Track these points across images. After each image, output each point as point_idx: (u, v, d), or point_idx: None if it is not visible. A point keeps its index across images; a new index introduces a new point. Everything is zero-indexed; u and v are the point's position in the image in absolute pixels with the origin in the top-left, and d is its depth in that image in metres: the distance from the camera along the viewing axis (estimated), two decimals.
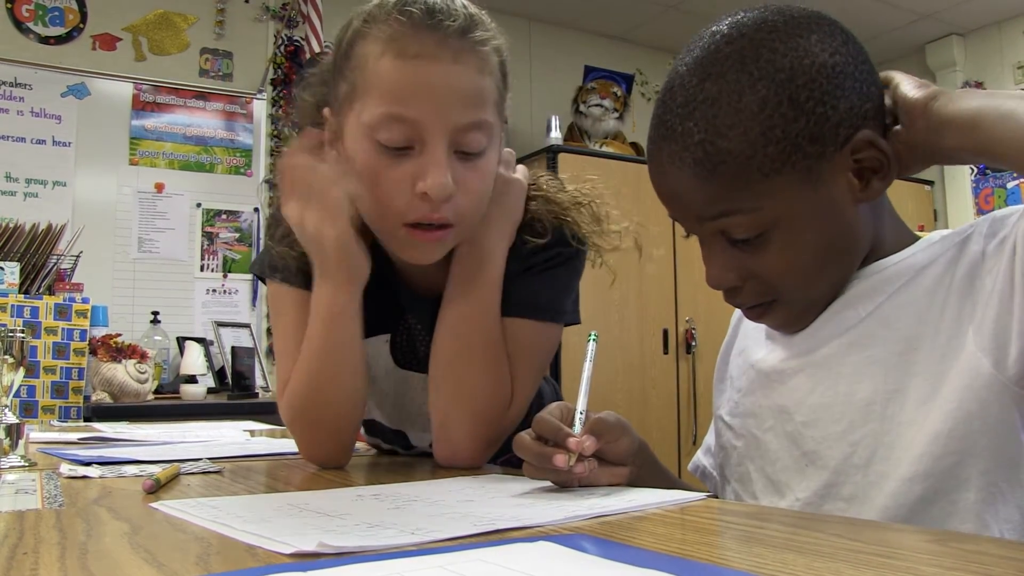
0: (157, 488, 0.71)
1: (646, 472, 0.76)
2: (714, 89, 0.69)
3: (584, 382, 0.73)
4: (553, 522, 0.54)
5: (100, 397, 2.56)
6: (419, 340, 0.98)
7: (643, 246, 0.97)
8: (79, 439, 1.30)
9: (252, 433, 1.47)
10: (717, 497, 0.79)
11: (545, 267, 0.93)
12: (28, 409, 2.38)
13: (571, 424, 0.69)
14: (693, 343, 3.66)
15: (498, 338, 0.91)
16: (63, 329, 2.48)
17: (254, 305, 3.39)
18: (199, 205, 3.34)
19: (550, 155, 3.47)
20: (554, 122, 3.72)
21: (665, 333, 3.64)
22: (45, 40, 3.12)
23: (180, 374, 2.94)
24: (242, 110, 3.45)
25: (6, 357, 0.93)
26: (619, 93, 3.98)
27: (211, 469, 0.86)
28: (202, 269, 3.33)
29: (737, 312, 0.94)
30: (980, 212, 4.23)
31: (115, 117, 3.22)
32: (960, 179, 4.31)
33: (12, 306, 2.41)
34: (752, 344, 0.85)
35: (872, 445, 0.70)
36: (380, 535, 0.50)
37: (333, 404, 0.89)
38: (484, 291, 0.90)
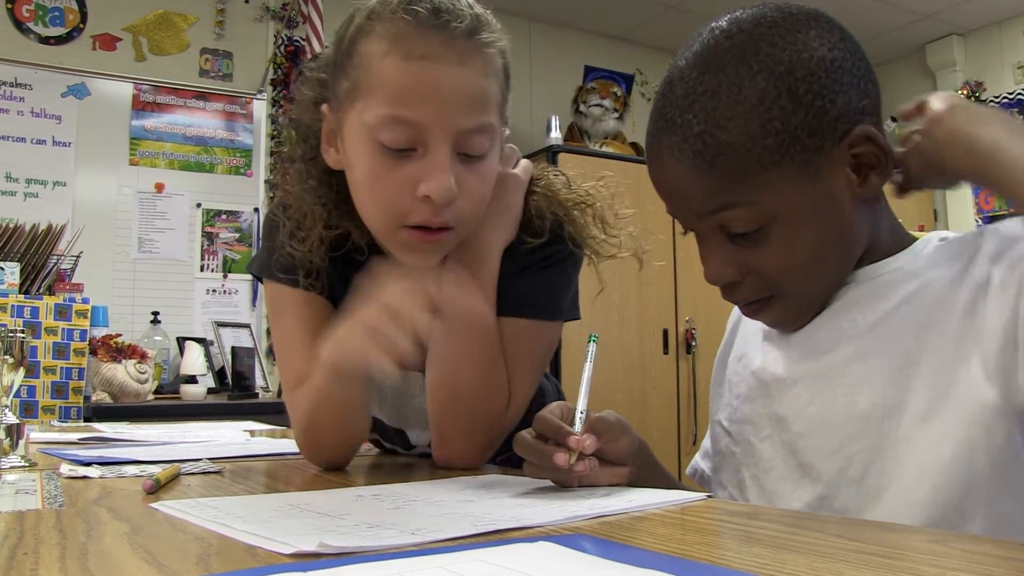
0: (157, 488, 0.71)
1: (646, 472, 0.76)
2: (713, 82, 0.69)
3: (584, 382, 0.73)
4: (553, 522, 0.54)
5: (100, 397, 2.56)
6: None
7: (643, 257, 0.96)
8: (79, 439, 1.30)
9: (252, 433, 1.47)
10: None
11: (543, 265, 0.92)
12: (28, 409, 2.38)
13: (571, 423, 0.70)
14: (693, 343, 3.66)
15: (494, 339, 0.90)
16: (63, 329, 2.48)
17: (254, 305, 3.39)
18: (199, 205, 3.34)
19: (550, 155, 3.47)
20: (554, 122, 3.72)
21: (665, 333, 3.64)
22: (45, 40, 3.12)
23: (180, 374, 2.94)
24: (242, 110, 3.45)
25: (6, 357, 0.93)
26: (619, 93, 3.98)
27: (211, 469, 0.86)
28: (202, 269, 3.33)
29: (734, 316, 0.94)
30: (980, 212, 4.23)
31: (115, 117, 3.22)
32: None
33: (12, 306, 2.41)
34: (751, 350, 0.85)
35: (866, 460, 0.70)
36: (380, 535, 0.50)
37: (335, 429, 0.90)
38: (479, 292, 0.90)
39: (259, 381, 3.10)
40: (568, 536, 0.50)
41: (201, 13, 3.38)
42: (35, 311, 2.45)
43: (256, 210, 3.43)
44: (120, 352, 2.64)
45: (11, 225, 2.68)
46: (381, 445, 1.12)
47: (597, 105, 3.90)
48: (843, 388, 0.72)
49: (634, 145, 3.90)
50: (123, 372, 2.61)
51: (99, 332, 2.68)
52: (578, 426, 0.69)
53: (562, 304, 0.95)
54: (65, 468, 0.85)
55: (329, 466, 0.92)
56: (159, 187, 3.26)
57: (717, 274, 0.75)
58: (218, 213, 3.37)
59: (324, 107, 0.88)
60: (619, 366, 3.49)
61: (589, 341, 0.76)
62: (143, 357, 2.69)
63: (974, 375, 0.65)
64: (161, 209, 3.27)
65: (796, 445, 0.75)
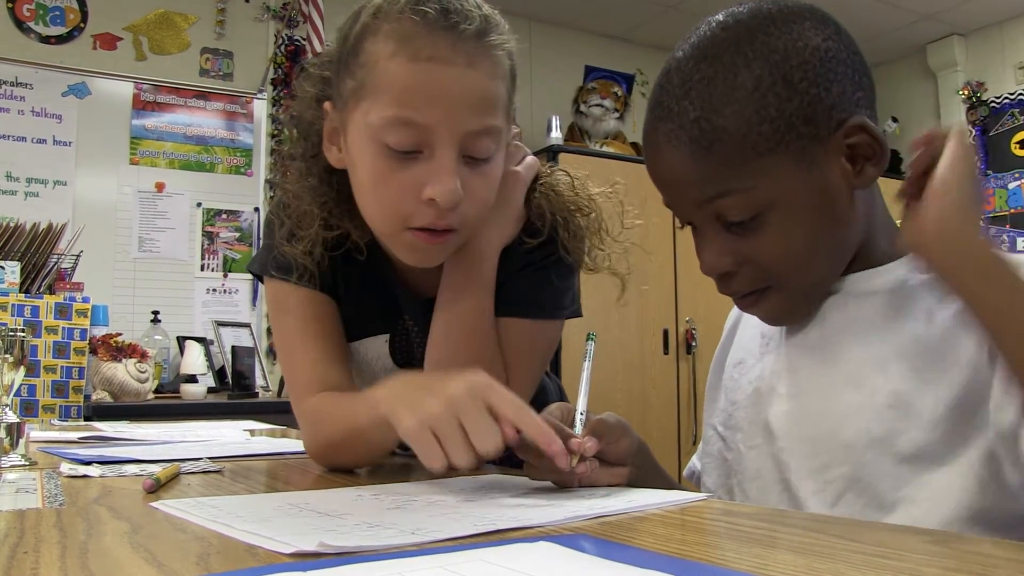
0: (157, 487, 0.71)
1: (645, 473, 0.76)
2: (709, 70, 0.70)
3: (583, 382, 0.73)
4: (553, 522, 0.54)
5: (100, 396, 2.57)
6: (415, 341, 0.98)
7: (627, 280, 0.94)
8: (79, 438, 1.30)
9: (252, 433, 1.47)
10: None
11: (543, 264, 0.92)
12: (28, 408, 2.38)
13: (571, 424, 0.70)
14: (693, 343, 3.66)
15: (492, 340, 0.90)
16: (63, 328, 2.48)
17: (254, 305, 3.40)
18: (199, 205, 3.34)
19: (550, 155, 3.47)
20: (555, 122, 3.72)
21: (665, 333, 3.64)
22: (46, 40, 3.12)
23: (180, 373, 2.94)
24: (242, 110, 3.45)
25: (7, 356, 0.93)
26: (620, 93, 3.98)
27: (211, 469, 0.86)
28: (202, 269, 3.33)
29: (732, 318, 0.94)
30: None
31: (116, 117, 3.22)
32: None
33: (13, 305, 2.42)
34: (748, 357, 0.84)
35: (842, 488, 0.70)
36: (380, 535, 0.50)
37: (362, 458, 0.88)
38: (476, 294, 0.89)
39: (259, 380, 3.10)
40: (568, 536, 0.50)
41: (202, 13, 3.39)
42: (35, 310, 2.45)
43: (256, 210, 3.43)
44: (120, 351, 2.64)
45: (11, 224, 2.68)
46: None
47: (598, 105, 3.90)
48: (831, 412, 0.72)
49: (634, 145, 3.89)
50: (123, 371, 2.61)
51: (99, 331, 2.69)
52: (579, 427, 0.69)
53: (563, 302, 0.94)
54: (65, 467, 0.85)
55: (333, 468, 0.92)
56: (159, 186, 3.26)
57: (713, 264, 0.74)
58: (218, 212, 3.37)
59: (327, 105, 0.87)
60: (619, 366, 3.49)
61: (587, 339, 0.76)
62: (143, 356, 2.69)
63: (985, 430, 0.64)
64: (161, 208, 3.27)
65: (779, 458, 0.76)
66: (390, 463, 1.02)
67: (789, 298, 0.75)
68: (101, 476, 0.81)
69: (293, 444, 1.15)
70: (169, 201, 3.28)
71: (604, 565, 0.42)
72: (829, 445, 0.71)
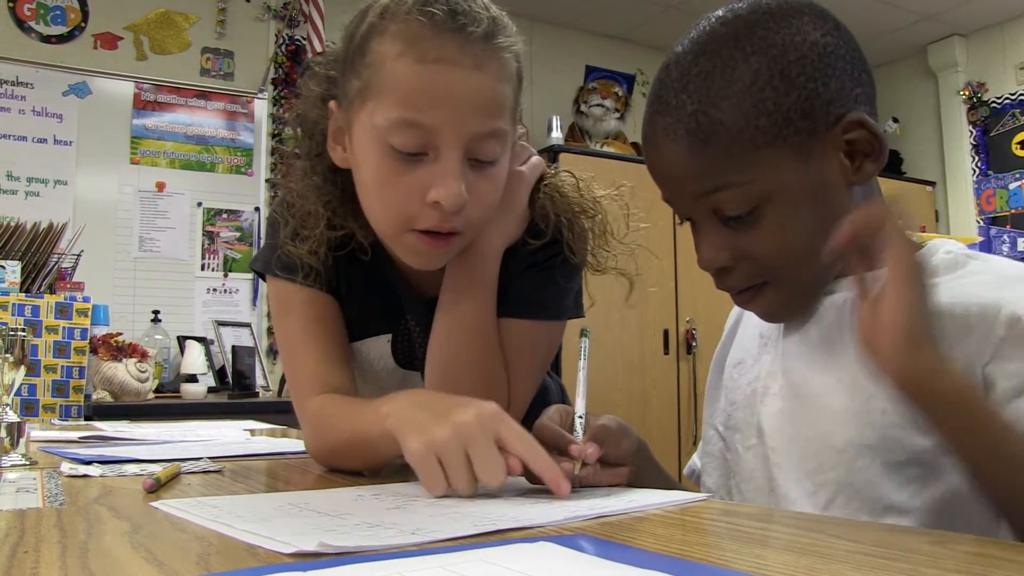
0: (158, 487, 0.71)
1: (645, 472, 0.76)
2: (708, 64, 0.70)
3: (581, 383, 0.73)
4: (553, 522, 0.54)
5: (101, 396, 2.57)
6: (417, 341, 0.98)
7: (635, 281, 0.94)
8: (80, 438, 1.30)
9: (252, 432, 1.47)
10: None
11: (546, 265, 0.92)
12: (29, 408, 2.39)
13: (571, 428, 0.69)
14: (694, 343, 3.66)
15: (493, 341, 0.90)
16: (64, 328, 2.48)
17: (255, 304, 3.40)
18: (200, 204, 3.34)
19: (551, 155, 3.47)
20: (555, 122, 3.72)
21: (666, 333, 3.64)
22: (47, 39, 3.12)
23: (181, 373, 2.95)
24: (243, 109, 3.45)
25: (7, 356, 0.93)
26: (620, 93, 3.98)
27: (211, 468, 0.86)
28: (203, 268, 3.33)
29: (732, 318, 0.94)
30: (982, 212, 4.22)
31: (116, 116, 3.22)
32: (962, 180, 4.31)
33: (13, 305, 2.42)
34: (748, 357, 0.84)
35: (832, 493, 0.70)
36: (380, 535, 0.50)
37: (364, 463, 0.85)
38: (478, 295, 0.89)
39: (259, 380, 3.10)
40: (568, 536, 0.50)
41: (202, 12, 3.39)
42: (36, 310, 2.45)
43: (257, 209, 3.43)
44: (121, 351, 2.64)
45: (12, 224, 2.68)
46: None
47: (598, 105, 3.90)
48: (824, 415, 0.72)
49: (635, 145, 3.90)
50: (124, 371, 2.61)
51: (100, 331, 2.69)
52: (579, 431, 0.69)
53: (565, 303, 0.94)
54: (66, 467, 0.85)
55: (334, 469, 0.92)
56: (160, 186, 3.27)
57: (710, 259, 0.74)
58: (219, 212, 3.37)
59: (332, 104, 0.86)
60: (619, 366, 3.49)
61: (581, 336, 0.75)
62: (144, 356, 2.69)
63: None
64: (162, 208, 3.27)
65: (771, 459, 0.76)
66: (390, 463, 1.02)
67: (786, 294, 0.75)
68: (101, 476, 0.81)
69: (293, 444, 1.15)
70: (169, 201, 3.29)
71: (604, 565, 0.42)
72: (821, 448, 0.71)
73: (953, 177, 4.35)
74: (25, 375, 0.97)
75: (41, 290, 2.61)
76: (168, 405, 2.69)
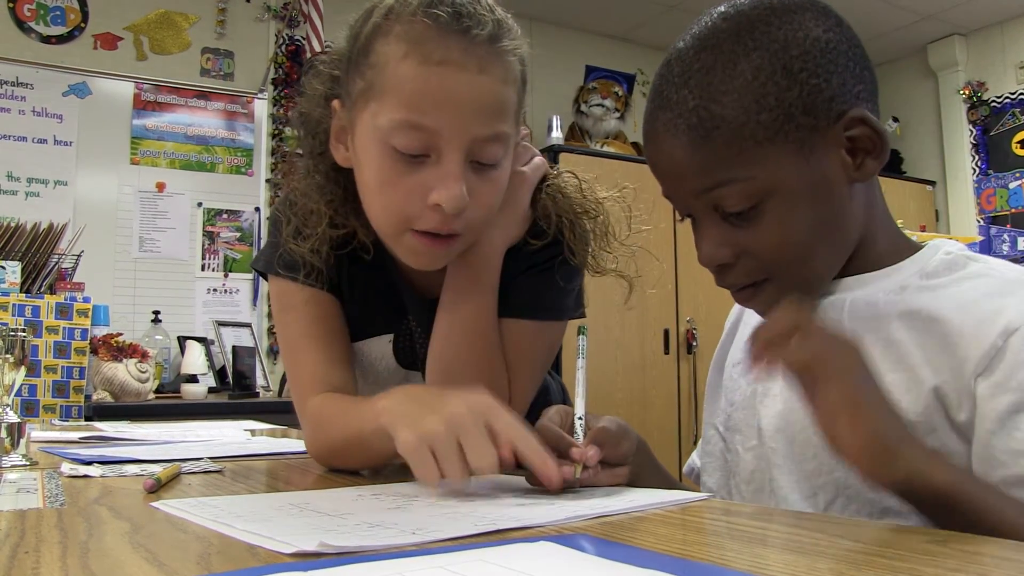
0: (158, 487, 0.71)
1: (645, 471, 0.76)
2: (709, 59, 0.70)
3: (580, 383, 0.73)
4: (554, 522, 0.54)
5: (101, 396, 2.57)
6: (418, 342, 0.98)
7: (635, 283, 0.94)
8: (80, 438, 1.30)
9: (253, 433, 1.47)
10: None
11: (547, 266, 0.92)
12: (29, 408, 2.39)
13: (571, 430, 0.69)
14: (694, 343, 3.66)
15: (494, 342, 0.90)
16: (64, 328, 2.48)
17: (255, 304, 3.40)
18: (200, 204, 3.34)
19: (551, 155, 3.47)
20: (555, 122, 3.72)
21: (666, 333, 3.64)
22: (47, 39, 3.12)
23: (181, 373, 2.95)
24: (243, 110, 3.45)
25: (7, 356, 0.93)
26: (620, 93, 3.98)
27: (212, 469, 0.86)
28: (203, 268, 3.33)
29: (732, 317, 0.93)
30: (982, 212, 4.22)
31: (116, 116, 3.22)
32: (962, 179, 4.31)
33: (13, 305, 2.42)
34: (747, 358, 0.84)
35: (831, 496, 0.70)
36: (381, 535, 0.50)
37: (362, 462, 0.86)
38: (480, 296, 0.89)
39: (260, 380, 3.10)
40: (568, 536, 0.50)
41: (202, 12, 3.39)
42: (36, 310, 2.45)
43: (257, 209, 3.43)
44: (121, 351, 2.64)
45: (12, 224, 2.68)
46: None
47: (598, 105, 3.90)
48: None
49: (635, 145, 3.90)
50: (124, 371, 2.61)
51: (100, 331, 2.69)
52: (579, 432, 0.69)
53: (566, 304, 0.94)
54: (66, 467, 0.85)
55: (334, 468, 0.92)
56: (160, 186, 3.27)
57: (711, 255, 0.74)
58: (219, 212, 3.37)
59: (335, 103, 0.86)
60: (620, 366, 3.49)
61: (579, 333, 0.75)
62: (144, 356, 2.69)
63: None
64: (162, 208, 3.27)
65: (770, 461, 0.76)
66: (390, 464, 1.02)
67: (786, 292, 0.74)
68: (102, 476, 0.81)
69: (294, 444, 1.15)
70: (170, 201, 3.29)
71: (604, 565, 0.42)
72: (820, 450, 0.71)
73: (953, 176, 4.35)
74: (25, 376, 0.97)
75: (41, 290, 2.61)
76: (168, 405, 2.69)
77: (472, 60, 0.76)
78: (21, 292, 2.50)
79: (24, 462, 0.91)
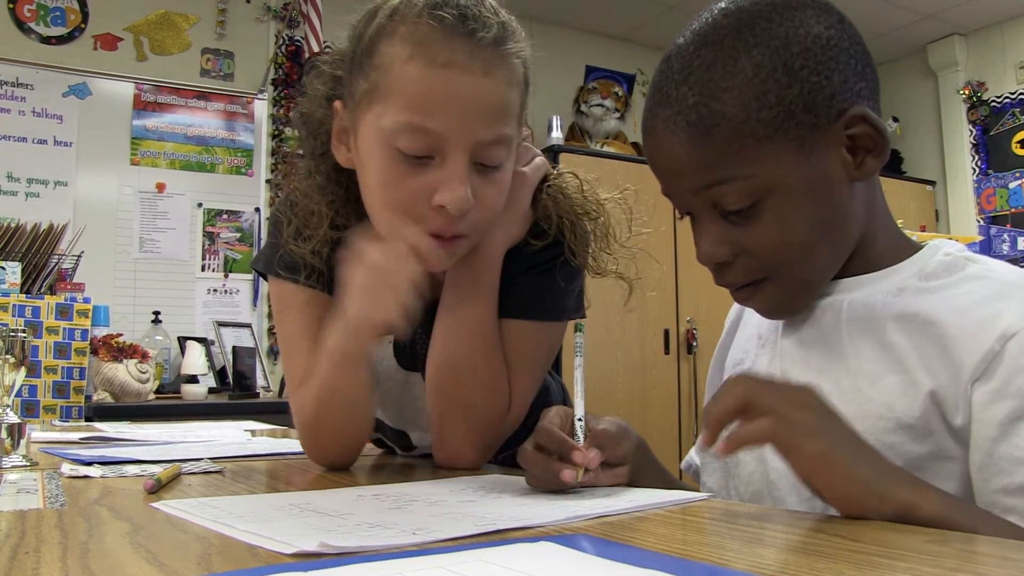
0: (158, 488, 0.71)
1: (645, 470, 0.76)
2: (710, 55, 0.69)
3: (579, 383, 0.72)
4: (554, 522, 0.54)
5: (101, 397, 2.57)
6: (419, 342, 0.98)
7: (635, 285, 0.95)
8: (80, 439, 1.30)
9: (253, 433, 1.47)
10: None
11: (548, 266, 0.92)
12: (29, 409, 2.39)
13: (571, 431, 0.69)
14: (694, 343, 3.66)
15: (495, 342, 0.90)
16: (64, 329, 2.48)
17: (255, 305, 3.40)
18: (200, 205, 3.34)
19: (551, 155, 3.47)
20: (555, 122, 3.72)
21: (666, 333, 3.64)
22: (47, 40, 3.12)
23: (181, 374, 2.95)
24: (243, 110, 3.45)
25: (8, 357, 0.93)
26: (620, 93, 3.98)
27: (212, 469, 0.86)
28: (203, 269, 3.33)
29: (732, 315, 0.93)
30: (982, 212, 4.22)
31: (116, 117, 3.22)
32: (962, 179, 4.31)
33: (14, 306, 2.42)
34: (747, 357, 0.84)
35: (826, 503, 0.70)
36: (381, 535, 0.50)
37: (339, 434, 0.89)
38: (480, 296, 0.89)
39: (260, 381, 3.10)
40: (569, 536, 0.50)
41: (202, 13, 3.39)
42: (36, 311, 2.45)
43: (257, 210, 3.43)
44: (121, 352, 2.64)
45: (12, 225, 2.68)
46: (384, 444, 1.12)
47: (598, 105, 3.90)
48: None
49: (635, 145, 3.90)
50: (124, 372, 2.61)
51: (100, 332, 2.69)
52: (579, 434, 0.69)
53: (567, 304, 0.94)
54: (66, 468, 0.85)
55: (332, 466, 0.92)
56: (160, 187, 3.27)
57: (709, 253, 0.74)
58: (219, 213, 3.37)
59: (337, 103, 0.86)
60: (620, 366, 3.49)
61: (576, 330, 0.75)
62: (144, 357, 2.69)
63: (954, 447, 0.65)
64: (162, 209, 3.27)
65: (768, 463, 0.75)
66: (391, 463, 1.02)
67: (786, 291, 0.74)
68: (102, 477, 0.81)
69: (294, 444, 1.15)
70: (170, 201, 3.29)
71: (604, 565, 0.42)
72: None
73: (953, 176, 4.35)
74: (26, 376, 0.97)
75: (41, 291, 2.61)
76: (169, 406, 2.69)
77: (477, 63, 0.76)
78: (21, 293, 2.50)
79: (24, 463, 0.91)
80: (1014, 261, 3.28)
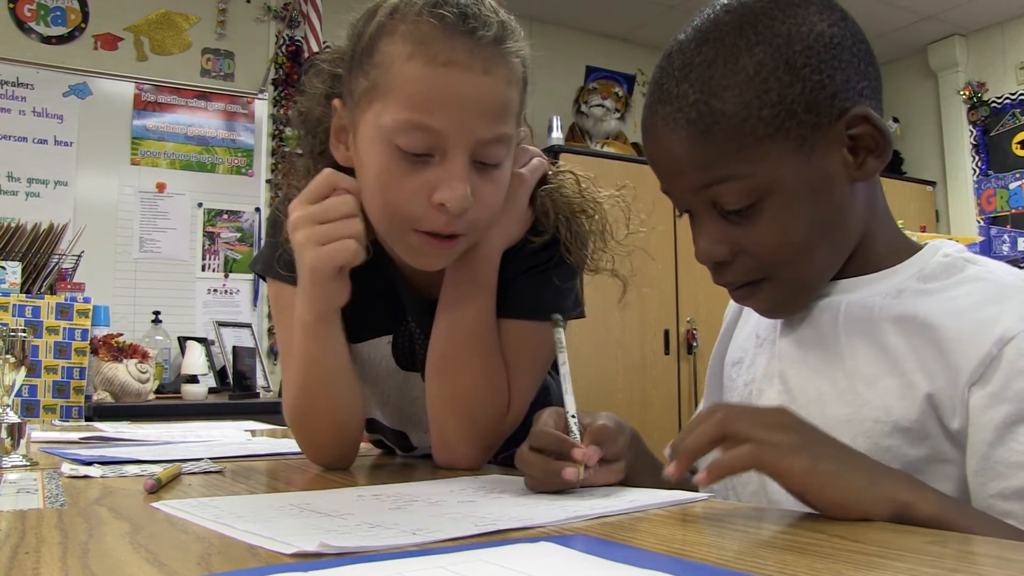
0: (158, 488, 0.71)
1: (640, 463, 0.76)
2: (711, 52, 0.69)
3: (566, 378, 0.72)
4: (554, 522, 0.54)
5: (101, 397, 2.57)
6: (417, 343, 0.98)
7: (628, 282, 0.94)
8: (80, 439, 1.30)
9: (253, 433, 1.47)
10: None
11: (546, 266, 0.92)
12: (30, 408, 2.39)
13: (566, 429, 0.69)
14: (694, 343, 3.66)
15: (494, 343, 0.90)
16: (64, 329, 2.48)
17: (255, 305, 3.40)
18: (200, 205, 3.34)
19: (551, 155, 3.47)
20: (555, 122, 3.72)
21: (666, 333, 3.64)
22: (47, 40, 3.13)
23: (181, 374, 2.95)
24: (243, 110, 3.45)
25: (8, 356, 0.93)
26: (620, 93, 3.98)
27: (212, 469, 0.86)
28: (203, 269, 3.33)
29: (731, 312, 0.93)
30: (982, 212, 4.23)
31: (117, 117, 3.22)
32: (962, 179, 4.31)
33: (14, 306, 2.42)
34: (745, 357, 0.84)
35: None
36: (381, 535, 0.50)
37: (327, 413, 0.89)
38: (478, 296, 0.89)
39: (260, 381, 3.10)
40: (569, 536, 0.50)
41: (203, 13, 3.39)
42: (36, 310, 2.45)
43: (257, 210, 3.43)
44: (121, 352, 2.64)
45: (12, 225, 2.68)
46: (383, 445, 1.12)
47: (599, 105, 3.90)
48: (817, 422, 0.71)
49: (635, 145, 3.90)
50: (124, 372, 2.61)
51: (100, 332, 2.69)
52: (574, 431, 0.69)
53: (565, 304, 0.94)
54: (66, 467, 0.85)
55: (330, 465, 0.92)
56: (160, 187, 3.27)
57: (708, 252, 0.73)
58: (219, 213, 3.37)
59: (336, 102, 0.86)
60: (620, 366, 3.49)
61: (555, 326, 0.75)
62: (144, 357, 2.69)
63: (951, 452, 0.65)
64: (162, 209, 3.27)
65: None
66: (391, 463, 1.02)
67: (784, 291, 0.74)
68: (102, 476, 0.81)
69: (294, 445, 1.14)
70: (170, 201, 3.29)
71: (604, 565, 0.42)
72: None
73: (953, 177, 4.35)
74: (26, 376, 0.97)
75: (42, 291, 2.61)
76: (169, 406, 2.69)
77: (477, 61, 0.76)
78: (21, 292, 2.50)
79: (24, 462, 0.91)
80: (1014, 262, 3.28)
